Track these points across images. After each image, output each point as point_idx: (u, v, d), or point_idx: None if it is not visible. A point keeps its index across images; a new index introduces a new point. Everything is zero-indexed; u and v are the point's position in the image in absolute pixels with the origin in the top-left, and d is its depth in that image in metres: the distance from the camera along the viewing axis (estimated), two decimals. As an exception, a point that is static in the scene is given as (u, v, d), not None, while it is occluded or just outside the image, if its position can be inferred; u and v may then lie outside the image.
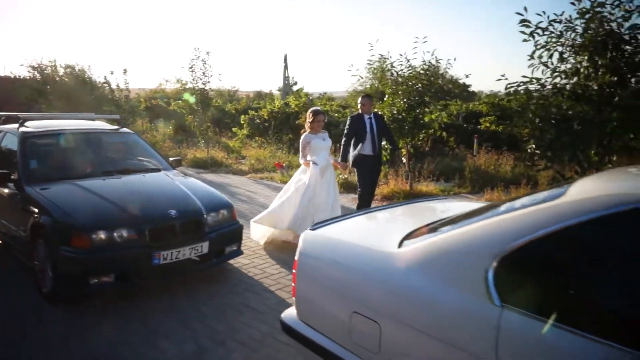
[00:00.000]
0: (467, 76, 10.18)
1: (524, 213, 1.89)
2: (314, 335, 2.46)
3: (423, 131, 8.79)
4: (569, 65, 6.24)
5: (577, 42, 5.87)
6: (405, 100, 8.22)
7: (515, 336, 1.71)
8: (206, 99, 12.72)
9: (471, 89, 35.13)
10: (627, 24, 5.74)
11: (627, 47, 5.85)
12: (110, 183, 4.80)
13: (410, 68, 8.30)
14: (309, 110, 6.24)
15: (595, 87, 6.06)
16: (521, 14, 5.89)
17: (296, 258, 2.59)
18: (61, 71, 17.92)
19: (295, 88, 37.42)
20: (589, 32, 5.71)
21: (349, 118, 6.68)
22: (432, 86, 8.45)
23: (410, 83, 8.20)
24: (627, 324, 1.56)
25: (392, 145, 7.28)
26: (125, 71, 15.19)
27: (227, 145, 15.56)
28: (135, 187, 4.79)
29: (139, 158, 5.76)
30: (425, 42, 8.01)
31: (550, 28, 5.95)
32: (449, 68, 8.38)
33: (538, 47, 5.91)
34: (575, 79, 6.22)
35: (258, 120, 15.87)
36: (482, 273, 1.84)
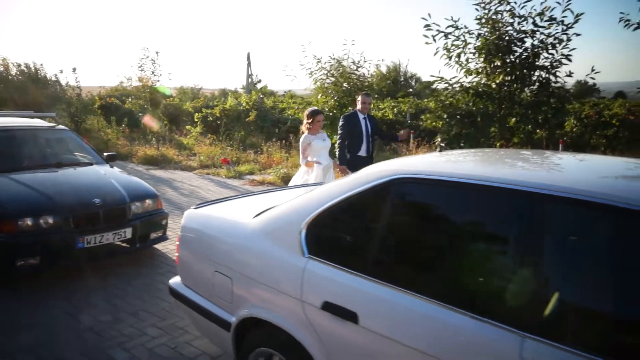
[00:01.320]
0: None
1: (324, 188, 2.47)
2: (191, 295, 2.99)
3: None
4: (473, 66, 6.94)
5: (475, 45, 6.56)
6: (335, 98, 8.80)
7: (313, 277, 2.28)
8: (156, 97, 13.03)
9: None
10: (520, 28, 6.44)
11: (517, 49, 6.58)
12: (42, 176, 5.20)
13: (339, 68, 8.87)
14: (307, 111, 6.09)
15: (494, 86, 6.76)
16: (425, 19, 6.55)
17: (179, 233, 3.11)
18: (14, 70, 17.86)
19: (259, 86, 37.86)
20: (482, 36, 6.40)
21: (342, 118, 6.36)
22: (363, 85, 9.03)
23: (339, 82, 8.77)
24: (381, 264, 2.15)
25: (389, 138, 7.53)
26: (74, 70, 15.31)
27: (180, 142, 15.89)
28: (65, 179, 5.20)
29: (74, 153, 6.15)
30: (353, 44, 8.59)
31: (456, 32, 6.62)
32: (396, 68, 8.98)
33: (440, 49, 6.59)
34: (477, 78, 6.91)
35: (211, 118, 16.23)
36: (297, 234, 2.40)
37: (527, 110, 6.84)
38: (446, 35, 6.68)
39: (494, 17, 6.48)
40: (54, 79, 15.79)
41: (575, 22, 6.40)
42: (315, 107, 6.47)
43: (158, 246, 5.64)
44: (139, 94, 13.08)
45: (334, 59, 8.82)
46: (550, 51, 6.60)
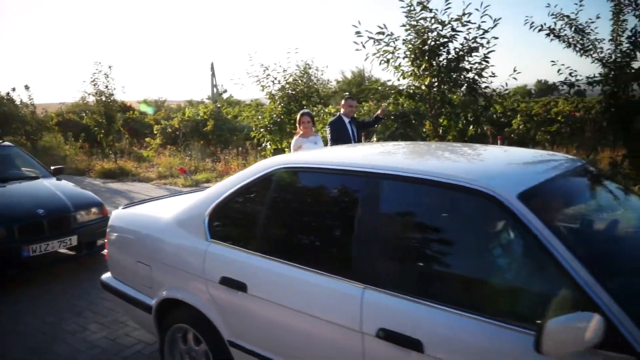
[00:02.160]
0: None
1: (224, 181, 2.84)
2: (120, 286, 3.31)
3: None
4: (405, 69, 7.41)
5: (402, 50, 7.03)
6: (282, 105, 9.19)
7: (213, 257, 2.64)
8: (110, 111, 13.18)
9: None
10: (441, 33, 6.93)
11: (442, 53, 7.08)
12: (-12, 190, 5.41)
13: (285, 76, 9.27)
14: (299, 113, 6.06)
15: (424, 87, 7.25)
16: (355, 26, 6.99)
17: (107, 230, 3.42)
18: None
19: (225, 95, 37.99)
20: (407, 41, 6.88)
21: (329, 124, 6.30)
22: (309, 91, 9.46)
23: (286, 89, 9.18)
24: (265, 241, 2.53)
25: (373, 122, 7.11)
26: (27, 87, 15.29)
27: (140, 155, 16.02)
28: (10, 193, 5.43)
29: (21, 168, 6.35)
30: (297, 52, 8.99)
31: (385, 39, 7.07)
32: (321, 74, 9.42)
33: (370, 55, 7.04)
34: (407, 80, 7.38)
35: (169, 130, 16.42)
36: (202, 222, 2.76)
37: (455, 109, 7.36)
38: (378, 42, 7.13)
39: (418, 23, 6.95)
40: (6, 97, 15.64)
41: (494, 26, 6.94)
42: (306, 110, 6.43)
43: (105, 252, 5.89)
44: (94, 109, 13.18)
45: (280, 66, 9.22)
46: (474, 54, 7.15)
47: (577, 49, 6.08)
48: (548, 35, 6.22)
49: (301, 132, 5.81)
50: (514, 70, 7.31)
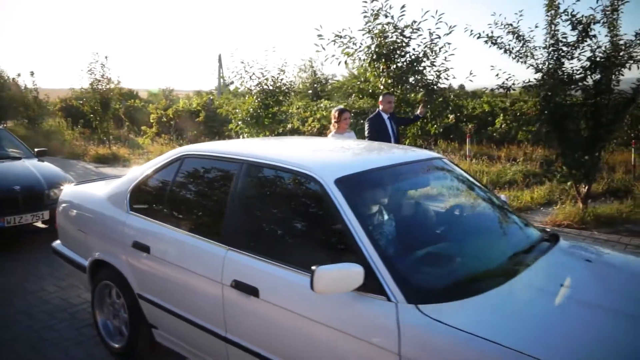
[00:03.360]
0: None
1: (146, 164, 3.41)
2: (66, 251, 3.90)
3: (281, 125, 10.36)
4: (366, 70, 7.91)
5: (362, 52, 7.55)
6: (258, 100, 9.73)
7: (129, 226, 3.21)
8: (107, 99, 13.81)
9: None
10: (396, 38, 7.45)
11: (399, 57, 7.60)
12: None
13: (263, 73, 9.80)
14: (334, 109, 6.02)
15: (382, 88, 7.76)
16: (317, 29, 7.51)
17: (58, 203, 4.01)
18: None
19: (232, 87, 38.61)
20: (365, 45, 7.40)
21: (367, 120, 6.28)
22: (284, 87, 9.98)
23: (262, 85, 9.72)
24: (168, 212, 3.10)
25: (412, 120, 7.10)
26: (32, 73, 15.99)
27: (136, 142, 16.67)
28: (-8, 170, 6.06)
29: (7, 149, 6.99)
30: (274, 51, 9.50)
31: (344, 41, 7.59)
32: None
33: (329, 56, 7.56)
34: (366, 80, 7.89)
35: (165, 119, 17.05)
36: (125, 197, 3.34)
37: (410, 108, 7.87)
38: (343, 44, 7.64)
39: (376, 28, 7.46)
40: (11, 81, 16.36)
41: (449, 33, 7.42)
42: (342, 106, 6.23)
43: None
44: (90, 97, 13.83)
45: (257, 63, 9.74)
46: (430, 58, 7.67)
47: (513, 55, 6.57)
48: (486, 42, 6.70)
49: (336, 128, 5.78)
50: (470, 74, 7.83)
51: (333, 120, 5.89)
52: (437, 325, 1.90)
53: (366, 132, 6.17)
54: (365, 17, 7.30)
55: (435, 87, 7.84)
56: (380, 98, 6.32)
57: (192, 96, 44.38)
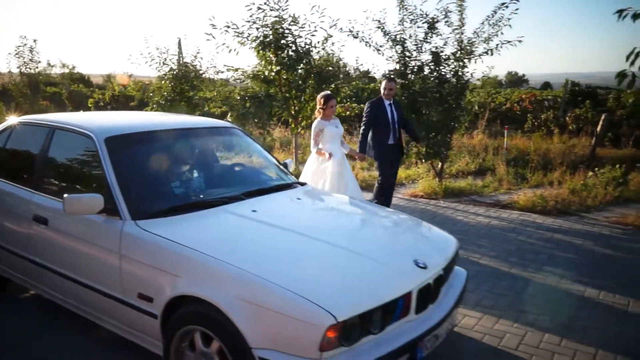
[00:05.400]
0: None
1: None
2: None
3: (197, 110, 11.10)
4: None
5: (249, 41, 8.38)
6: (172, 84, 10.43)
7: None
8: (36, 83, 14.21)
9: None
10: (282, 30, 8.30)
11: (287, 47, 8.46)
12: None
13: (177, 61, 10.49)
14: (320, 95, 5.65)
15: (273, 74, 8.62)
16: (211, 19, 8.30)
17: None
18: None
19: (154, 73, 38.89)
20: (252, 35, 8.24)
21: (367, 104, 6.12)
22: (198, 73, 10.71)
23: (174, 71, 10.42)
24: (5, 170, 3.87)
25: (413, 136, 6.58)
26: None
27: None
28: None
29: None
30: (185, 38, 10.17)
31: (238, 31, 8.40)
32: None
33: (220, 44, 8.37)
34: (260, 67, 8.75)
35: (102, 104, 17.50)
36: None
37: (300, 93, 8.78)
38: (237, 34, 8.44)
39: (261, 20, 8.29)
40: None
41: (334, 25, 8.31)
42: (329, 92, 5.92)
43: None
44: (18, 81, 14.20)
45: (168, 50, 10.42)
46: (318, 48, 8.59)
47: (373, 48, 7.51)
48: (349, 35, 7.63)
49: (321, 114, 5.51)
50: (356, 62, 8.81)
51: (318, 107, 5.58)
52: (145, 233, 2.76)
53: (364, 117, 6.07)
54: (249, 9, 8.13)
55: (325, 74, 8.77)
56: (381, 83, 6.17)
57: (154, 82, 44.57)
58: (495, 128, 13.63)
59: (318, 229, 2.98)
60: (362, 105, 13.20)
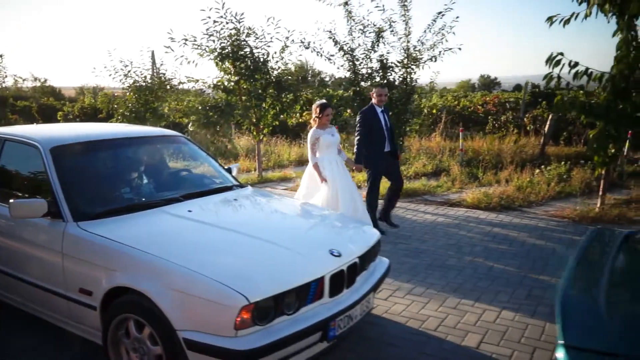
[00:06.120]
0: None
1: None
2: None
3: (162, 120, 11.32)
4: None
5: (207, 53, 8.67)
6: (136, 96, 10.66)
7: None
8: (4, 98, 14.25)
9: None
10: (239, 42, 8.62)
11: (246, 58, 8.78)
12: None
13: (141, 72, 10.73)
14: (315, 104, 5.59)
15: (233, 83, 8.93)
16: (169, 32, 8.58)
17: None
18: None
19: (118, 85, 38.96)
20: (209, 47, 8.55)
21: (359, 113, 5.99)
22: (162, 85, 10.96)
23: (138, 83, 10.65)
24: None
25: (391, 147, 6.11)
26: None
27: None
28: None
29: None
30: (149, 50, 10.41)
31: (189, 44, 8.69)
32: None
33: (179, 56, 8.66)
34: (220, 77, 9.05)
35: (71, 117, 17.52)
36: None
37: (260, 102, 9.10)
38: (196, 46, 8.73)
39: (217, 32, 8.60)
40: None
41: (289, 36, 8.67)
42: (324, 101, 5.80)
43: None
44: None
45: (132, 62, 10.66)
46: (276, 58, 8.94)
47: (324, 58, 7.90)
48: (300, 47, 8.00)
49: (316, 123, 5.49)
50: (334, 72, 9.15)
51: (314, 115, 5.54)
52: (85, 233, 3.03)
53: (357, 126, 5.95)
54: (205, 23, 8.43)
55: (283, 84, 9.11)
56: (373, 91, 6.04)
57: (129, 95, 44.46)
58: (456, 130, 14.13)
59: (245, 224, 3.29)
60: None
